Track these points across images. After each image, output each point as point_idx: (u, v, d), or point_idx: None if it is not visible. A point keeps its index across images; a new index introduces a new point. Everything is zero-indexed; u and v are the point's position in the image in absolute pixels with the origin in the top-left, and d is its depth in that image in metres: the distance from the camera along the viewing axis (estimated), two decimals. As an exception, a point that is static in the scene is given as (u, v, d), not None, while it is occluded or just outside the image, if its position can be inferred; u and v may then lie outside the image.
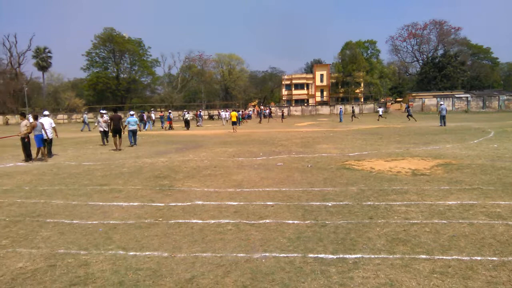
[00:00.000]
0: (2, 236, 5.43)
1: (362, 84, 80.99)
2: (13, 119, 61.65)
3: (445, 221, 5.53)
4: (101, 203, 7.17)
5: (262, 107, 62.41)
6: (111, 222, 5.97)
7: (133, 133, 18.58)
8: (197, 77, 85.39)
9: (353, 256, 4.40)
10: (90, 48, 77.47)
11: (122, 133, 17.26)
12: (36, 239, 5.27)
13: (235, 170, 10.42)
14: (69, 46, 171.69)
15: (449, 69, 75.04)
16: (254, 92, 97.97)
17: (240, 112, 44.20)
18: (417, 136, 19.28)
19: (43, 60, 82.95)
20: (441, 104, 27.72)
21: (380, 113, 43.10)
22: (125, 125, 18.42)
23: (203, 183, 8.84)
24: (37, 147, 13.87)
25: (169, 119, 36.73)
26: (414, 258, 4.29)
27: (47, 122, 14.68)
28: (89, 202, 7.30)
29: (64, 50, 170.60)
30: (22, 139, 13.57)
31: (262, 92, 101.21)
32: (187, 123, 34.89)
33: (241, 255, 4.51)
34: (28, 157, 13.67)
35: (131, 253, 4.65)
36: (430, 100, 61.95)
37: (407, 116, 37.30)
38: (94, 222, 6.00)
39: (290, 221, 5.72)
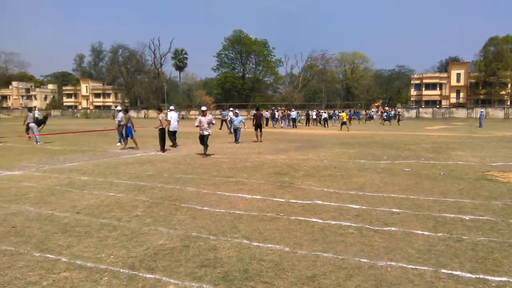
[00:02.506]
0: (147, 215, 6.21)
1: (509, 85, 70.44)
2: (153, 113, 70.20)
3: None
4: (227, 194, 7.66)
5: (386, 108, 59.01)
6: (237, 212, 6.34)
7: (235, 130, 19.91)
8: (318, 77, 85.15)
9: (497, 278, 3.84)
10: (220, 49, 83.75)
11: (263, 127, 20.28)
12: (173, 221, 5.88)
13: (356, 173, 10.07)
14: (202, 48, 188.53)
15: None
16: (379, 92, 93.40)
17: (296, 112, 39.96)
18: None
19: (180, 61, 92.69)
20: None
21: (356, 118, 43.11)
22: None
23: (323, 183, 8.75)
24: (125, 137, 16.02)
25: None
26: None
27: (174, 115, 16.81)
28: (217, 191, 7.87)
29: (198, 52, 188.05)
30: (160, 129, 15.29)
31: (387, 92, 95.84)
32: (325, 122, 37.56)
33: (364, 260, 4.32)
34: (162, 147, 15.01)
35: (255, 244, 4.85)
36: None
37: (386, 120, 41.01)
38: (222, 210, 6.45)
39: (419, 232, 5.27)
